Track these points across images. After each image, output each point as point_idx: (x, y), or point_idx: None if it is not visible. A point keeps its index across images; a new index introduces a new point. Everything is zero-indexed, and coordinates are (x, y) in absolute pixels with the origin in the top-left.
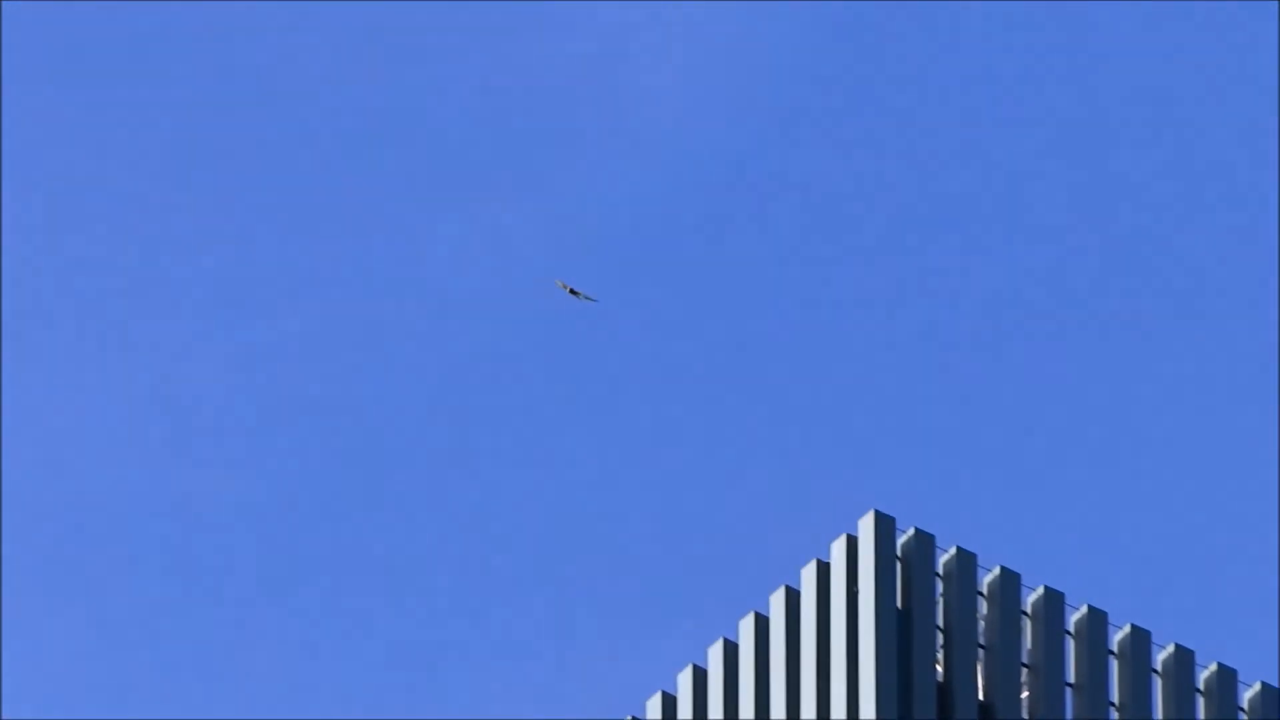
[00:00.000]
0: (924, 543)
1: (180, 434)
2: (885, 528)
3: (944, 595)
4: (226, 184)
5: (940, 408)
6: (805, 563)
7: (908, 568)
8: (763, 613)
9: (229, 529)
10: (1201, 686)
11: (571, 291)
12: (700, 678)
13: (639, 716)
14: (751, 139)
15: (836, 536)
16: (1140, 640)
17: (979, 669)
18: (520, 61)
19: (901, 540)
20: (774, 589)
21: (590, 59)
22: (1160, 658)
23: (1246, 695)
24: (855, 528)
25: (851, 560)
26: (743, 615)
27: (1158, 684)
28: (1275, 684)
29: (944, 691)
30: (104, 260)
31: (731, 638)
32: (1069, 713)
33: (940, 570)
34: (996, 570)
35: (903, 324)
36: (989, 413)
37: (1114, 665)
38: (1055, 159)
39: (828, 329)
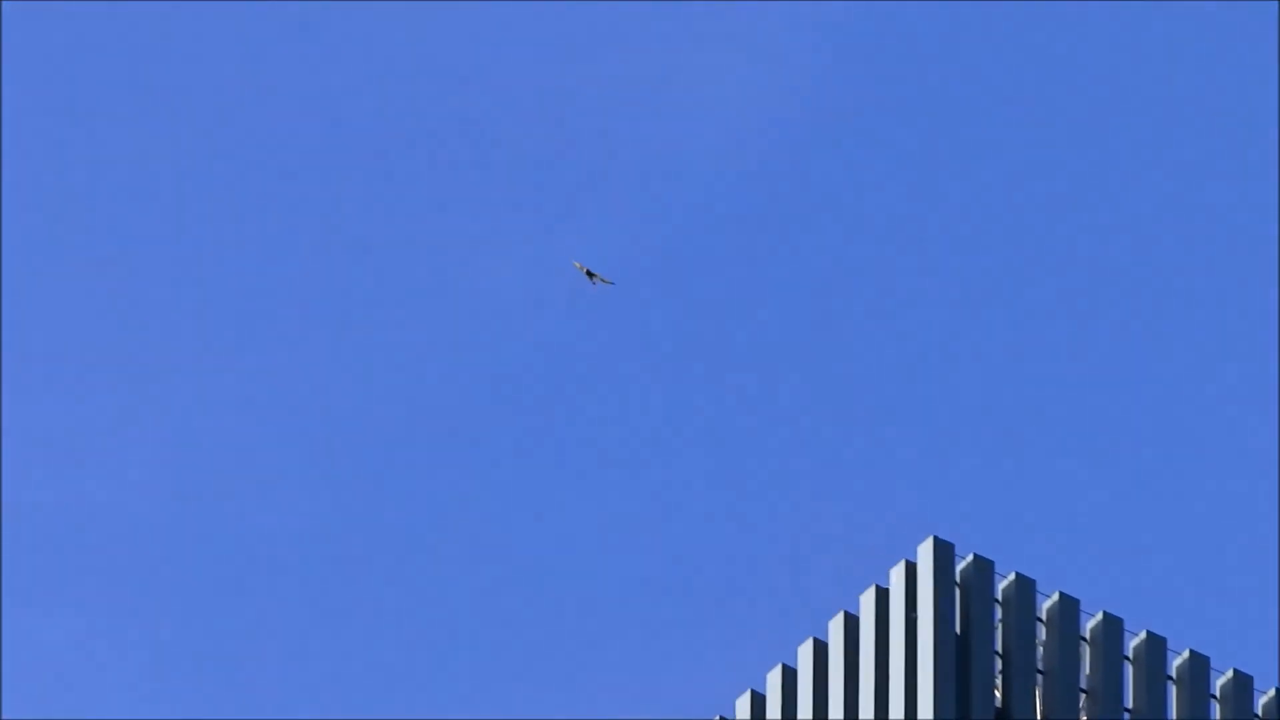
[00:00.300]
0: (983, 569)
1: (198, 456)
2: (944, 554)
3: (1002, 621)
4: (249, 195)
5: (1000, 434)
6: (864, 589)
7: (966, 594)
8: (821, 638)
9: (267, 555)
10: (1260, 712)
11: (589, 274)
12: (759, 704)
13: None
14: (798, 155)
15: (895, 562)
16: (1199, 666)
17: (1037, 695)
18: (562, 76)
19: (960, 566)
20: (833, 615)
21: (631, 75)
22: (1219, 683)
23: None
24: (914, 554)
25: (911, 586)
26: (802, 641)
27: (1216, 709)
28: None
29: (1002, 717)
30: (120, 277)
31: (790, 663)
32: None
33: (999, 596)
34: (1055, 596)
35: (961, 350)
36: (1048, 439)
37: (1172, 691)
38: (1096, 168)
39: (887, 354)
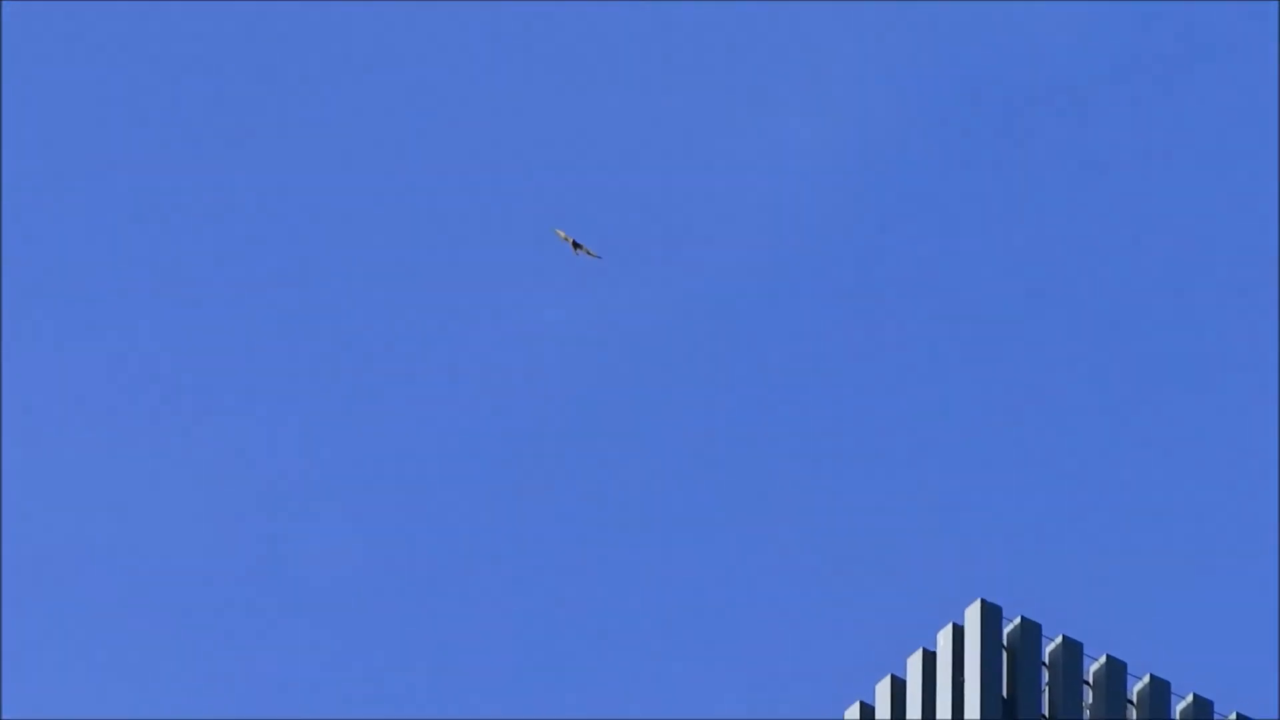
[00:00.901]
0: (1030, 631)
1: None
2: (991, 616)
3: (1050, 684)
4: (289, 222)
5: (1048, 496)
6: (911, 651)
7: (1013, 656)
8: (868, 702)
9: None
10: None
11: (575, 246)
12: None
13: None
14: (862, 211)
15: (942, 625)
16: None
17: None
18: (620, 127)
19: (1008, 629)
20: (879, 678)
21: (690, 127)
22: None
23: None
24: (961, 616)
25: (957, 649)
26: (848, 704)
27: None
28: None
29: None
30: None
31: None
32: None
33: (1046, 659)
34: (1103, 659)
35: (1011, 412)
36: (1097, 501)
37: None
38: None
39: (935, 417)
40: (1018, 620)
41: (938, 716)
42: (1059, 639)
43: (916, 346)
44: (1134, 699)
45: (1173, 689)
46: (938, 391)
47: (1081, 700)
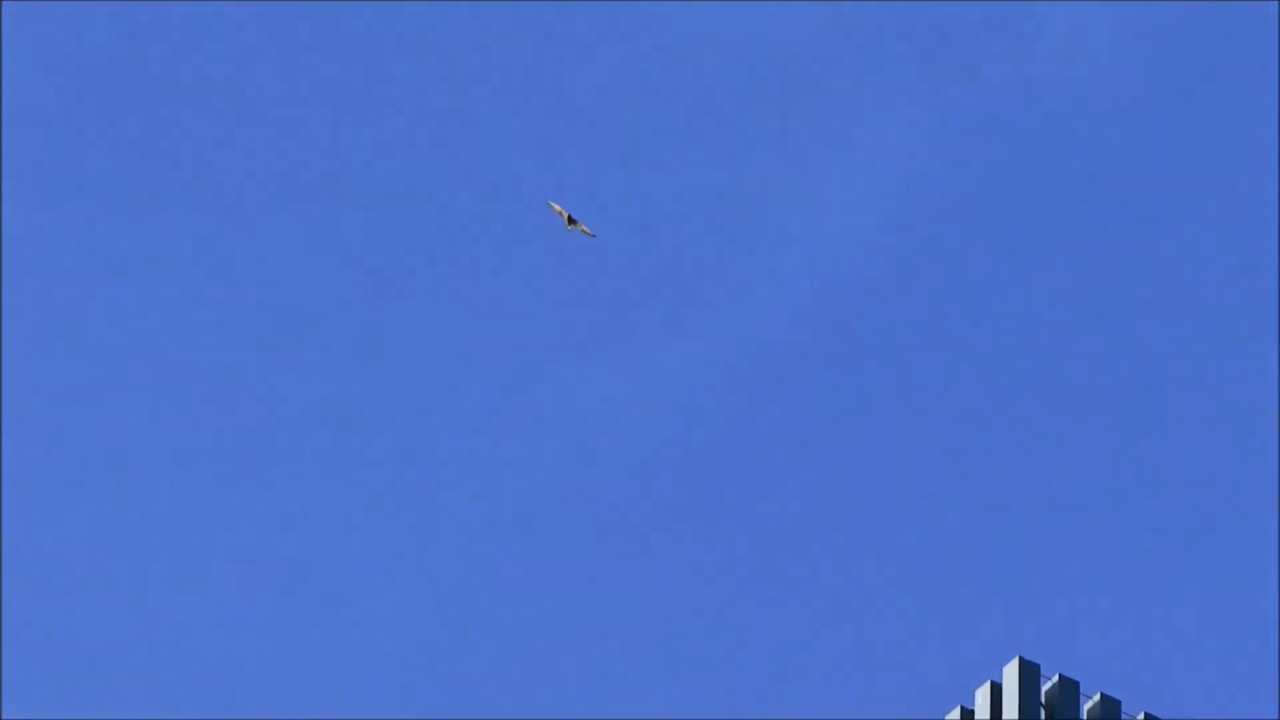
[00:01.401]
0: (1068, 689)
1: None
2: (1030, 674)
3: None
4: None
5: (1082, 554)
6: (950, 709)
7: (1051, 713)
8: None
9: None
10: None
11: (570, 221)
12: None
13: None
14: (905, 263)
15: (981, 683)
16: None
17: None
18: (665, 187)
19: (1046, 687)
20: None
21: (734, 185)
22: None
23: None
24: (1000, 674)
25: (996, 707)
26: None
27: None
28: None
29: None
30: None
31: None
32: None
33: (1084, 716)
34: (1140, 716)
35: (1047, 470)
36: (1133, 561)
37: None
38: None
39: (974, 476)
40: (1056, 678)
41: None
42: (1097, 697)
43: (959, 409)
44: None
45: None
46: (981, 454)
47: None
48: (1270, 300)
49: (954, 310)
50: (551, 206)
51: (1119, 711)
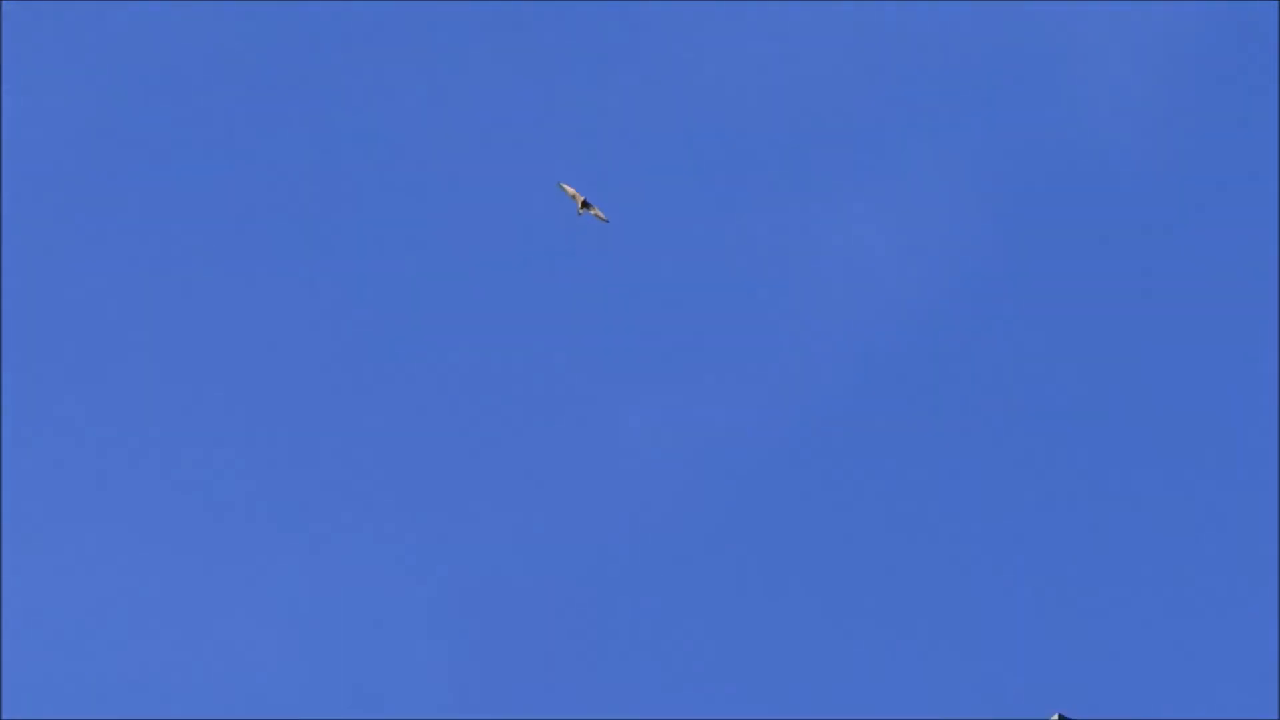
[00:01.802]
0: None
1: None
2: None
3: None
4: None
5: (1122, 611)
6: None
7: None
8: None
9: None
10: None
11: (584, 205)
12: None
13: None
14: (948, 329)
15: None
16: None
17: None
18: (696, 241)
19: None
20: None
21: (765, 241)
22: None
23: None
24: None
25: None
26: None
27: None
28: None
29: None
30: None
31: None
32: None
33: None
34: None
35: (1092, 525)
36: (1167, 619)
37: None
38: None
39: (1011, 526)
40: None
41: None
42: None
43: (992, 474)
44: None
45: None
46: (1018, 511)
47: None
48: None
49: (1004, 366)
50: (564, 189)
51: None
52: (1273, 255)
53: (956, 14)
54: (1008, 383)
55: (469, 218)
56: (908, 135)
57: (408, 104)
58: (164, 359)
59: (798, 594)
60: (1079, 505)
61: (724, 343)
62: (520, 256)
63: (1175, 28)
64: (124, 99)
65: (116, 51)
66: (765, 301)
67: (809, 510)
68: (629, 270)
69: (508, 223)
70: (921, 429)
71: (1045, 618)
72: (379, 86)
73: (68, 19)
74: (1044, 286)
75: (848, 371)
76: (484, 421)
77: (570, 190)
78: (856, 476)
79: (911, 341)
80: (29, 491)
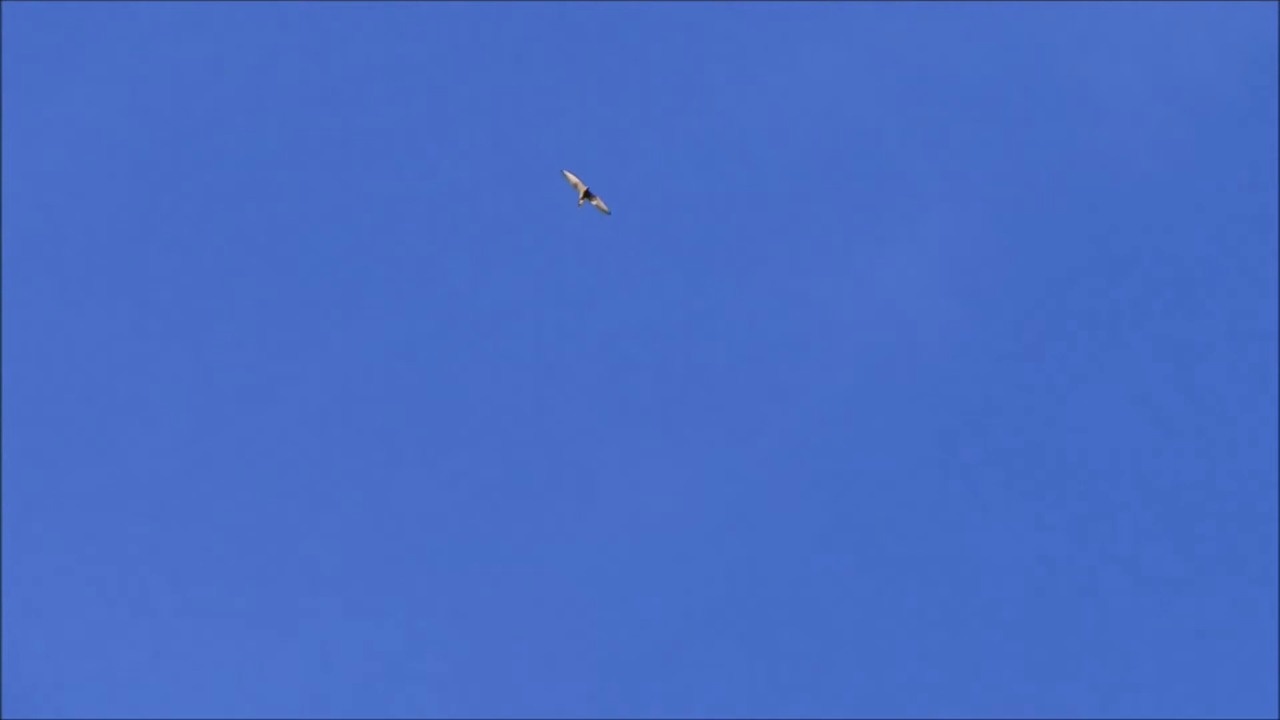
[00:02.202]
0: None
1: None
2: None
3: None
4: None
5: (1122, 609)
6: None
7: None
8: None
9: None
10: None
11: (586, 195)
12: None
13: None
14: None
15: None
16: None
17: None
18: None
19: None
20: None
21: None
22: None
23: None
24: None
25: None
26: None
27: None
28: None
29: None
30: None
31: None
32: None
33: None
34: None
35: (1114, 571)
36: (1163, 616)
37: None
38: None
39: (1048, 567)
40: None
41: None
42: None
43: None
44: None
45: None
46: (1052, 548)
47: None
48: None
49: (1039, 403)
50: (567, 177)
51: None
52: None
53: (971, 51)
54: (1045, 419)
55: (471, 278)
56: (928, 172)
57: (425, 139)
58: (165, 361)
59: (830, 652)
60: (1114, 545)
61: (748, 392)
62: (522, 305)
63: (1203, 60)
64: (124, 99)
65: (116, 51)
66: (791, 348)
67: (842, 561)
68: (650, 320)
69: (512, 282)
70: (959, 469)
71: (1046, 618)
72: (399, 96)
73: (68, 19)
74: (1078, 321)
75: (880, 414)
76: (491, 501)
77: (573, 179)
78: (891, 516)
79: (943, 381)
80: (29, 491)
